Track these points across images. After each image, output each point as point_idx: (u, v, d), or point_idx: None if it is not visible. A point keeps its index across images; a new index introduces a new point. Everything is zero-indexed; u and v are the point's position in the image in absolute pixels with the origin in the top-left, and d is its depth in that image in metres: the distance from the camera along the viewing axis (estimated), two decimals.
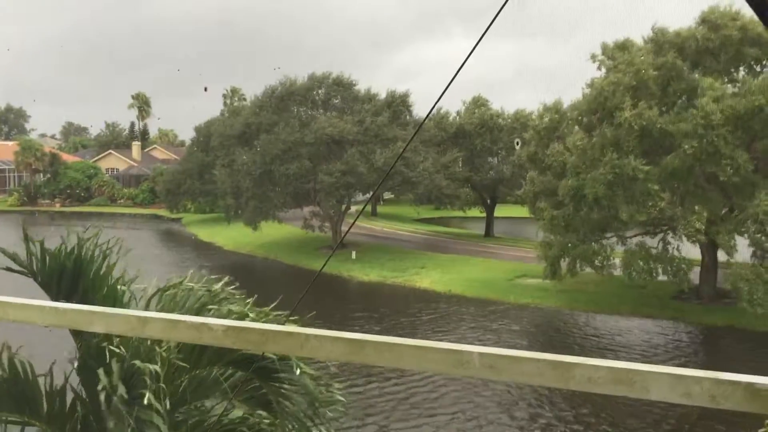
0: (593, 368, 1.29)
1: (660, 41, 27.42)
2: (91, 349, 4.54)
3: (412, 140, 38.67)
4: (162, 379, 4.26)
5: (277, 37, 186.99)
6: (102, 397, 4.18)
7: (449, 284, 33.20)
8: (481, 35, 1.66)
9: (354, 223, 36.45)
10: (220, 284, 5.60)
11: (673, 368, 1.27)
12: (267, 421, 4.80)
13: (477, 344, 1.43)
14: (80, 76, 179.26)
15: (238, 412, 4.85)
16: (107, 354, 4.32)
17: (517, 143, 28.93)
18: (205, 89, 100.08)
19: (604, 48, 28.61)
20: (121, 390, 4.14)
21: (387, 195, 47.74)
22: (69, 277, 5.13)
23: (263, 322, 4.90)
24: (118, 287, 5.38)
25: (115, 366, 4.23)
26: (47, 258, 5.08)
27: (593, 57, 28.51)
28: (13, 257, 5.01)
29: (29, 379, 4.97)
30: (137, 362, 4.32)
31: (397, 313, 28.90)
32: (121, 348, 4.33)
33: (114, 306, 5.02)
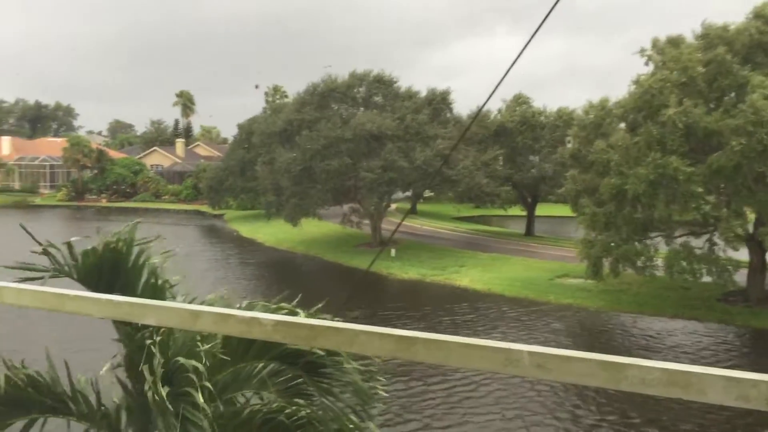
0: (647, 369, 1.27)
1: (710, 37, 26.79)
2: (136, 344, 4.63)
3: (461, 139, 38.49)
4: (206, 376, 4.34)
5: (322, 37, 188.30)
6: (149, 393, 4.27)
7: (489, 283, 33.00)
8: (533, 33, 1.65)
9: (401, 222, 36.44)
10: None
11: (729, 371, 1.25)
12: (305, 411, 4.85)
13: (520, 344, 1.42)
14: (127, 75, 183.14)
15: (274, 403, 4.91)
16: (154, 349, 4.41)
17: (569, 142, 28.64)
18: (257, 87, 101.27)
19: (655, 43, 28.08)
20: (165, 388, 4.22)
21: (427, 193, 47.71)
22: (107, 273, 5.21)
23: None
24: (158, 282, 5.46)
25: (157, 363, 4.31)
26: (79, 257, 5.15)
27: (642, 51, 28.01)
28: (30, 268, 5.09)
29: (68, 377, 5.11)
30: (180, 359, 4.39)
31: (437, 311, 28.83)
32: (171, 342, 4.41)
33: (152, 296, 5.11)
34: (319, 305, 5.26)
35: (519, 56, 1.71)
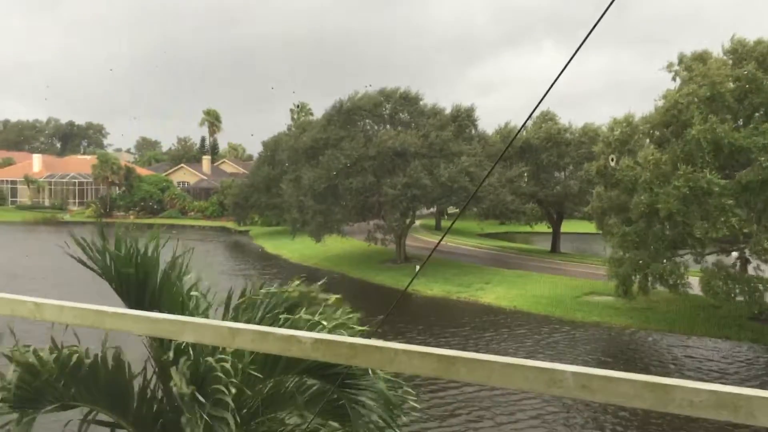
0: (694, 391, 1.25)
1: (740, 52, 26.50)
2: (166, 351, 4.67)
3: (497, 163, 38.35)
4: (232, 374, 4.37)
5: (363, 54, 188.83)
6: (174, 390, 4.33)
7: (514, 300, 32.71)
8: (574, 51, 1.65)
9: (440, 242, 36.37)
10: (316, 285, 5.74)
11: None
12: (340, 431, 4.84)
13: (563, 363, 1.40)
14: (157, 93, 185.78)
15: (311, 424, 4.91)
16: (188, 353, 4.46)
17: (612, 159, 28.28)
18: (272, 88, 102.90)
19: (681, 59, 27.86)
20: (191, 388, 4.27)
21: (451, 209, 47.67)
22: (135, 281, 5.31)
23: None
24: (191, 293, 5.53)
25: (184, 364, 4.36)
26: (114, 262, 5.29)
27: (669, 66, 27.80)
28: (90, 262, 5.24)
29: (124, 379, 5.16)
30: (210, 359, 4.44)
31: (464, 329, 28.62)
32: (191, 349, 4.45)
33: (181, 309, 5.18)
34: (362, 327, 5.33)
35: (558, 78, 1.70)
